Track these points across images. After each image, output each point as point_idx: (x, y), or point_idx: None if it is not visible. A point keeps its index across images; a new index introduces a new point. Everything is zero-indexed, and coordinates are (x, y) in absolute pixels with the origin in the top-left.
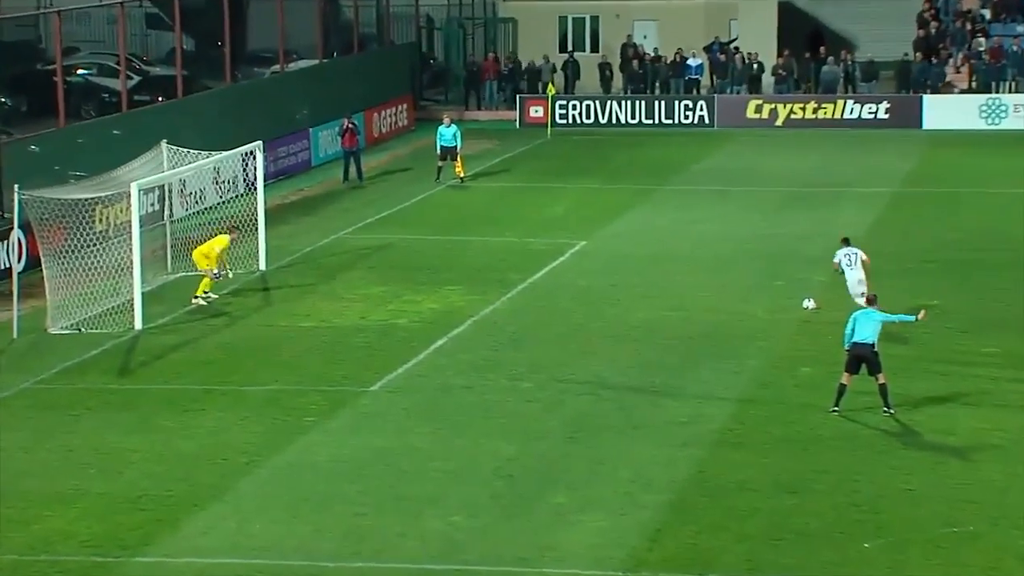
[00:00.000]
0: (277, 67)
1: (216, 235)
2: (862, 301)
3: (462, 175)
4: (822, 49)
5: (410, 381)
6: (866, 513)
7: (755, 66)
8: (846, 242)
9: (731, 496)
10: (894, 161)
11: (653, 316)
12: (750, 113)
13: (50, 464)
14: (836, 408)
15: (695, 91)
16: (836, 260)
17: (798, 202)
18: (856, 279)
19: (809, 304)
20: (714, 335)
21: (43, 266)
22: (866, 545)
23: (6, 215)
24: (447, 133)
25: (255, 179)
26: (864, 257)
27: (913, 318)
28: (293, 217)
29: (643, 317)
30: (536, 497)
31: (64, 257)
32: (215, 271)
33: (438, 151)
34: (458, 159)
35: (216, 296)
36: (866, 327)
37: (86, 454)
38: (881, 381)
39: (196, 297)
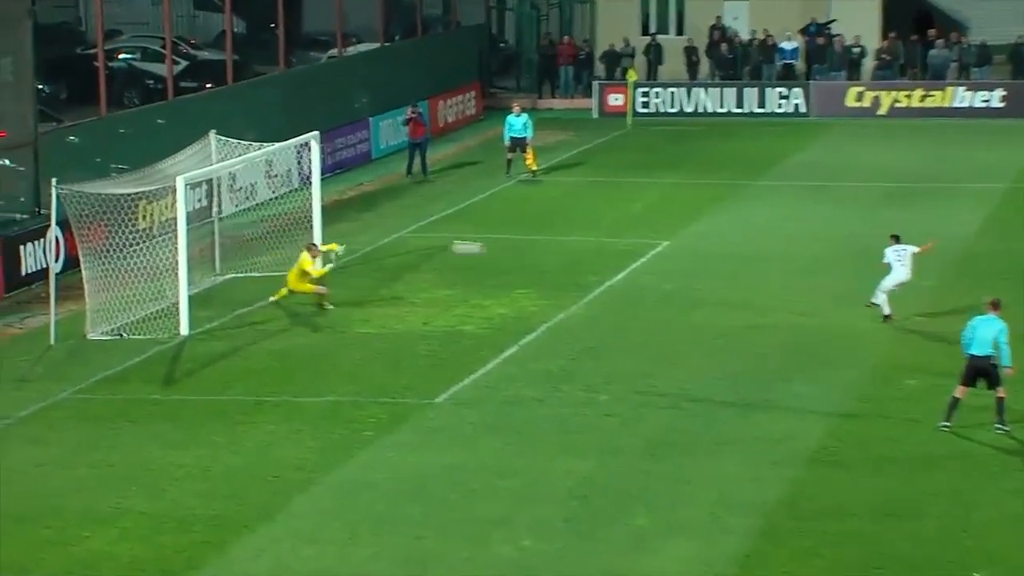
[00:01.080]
0: (335, 51)
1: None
2: (882, 300)
3: (534, 168)
4: (931, 31)
5: (478, 392)
6: (977, 540)
7: (856, 50)
8: (896, 239)
9: (827, 520)
10: (1009, 154)
11: (742, 323)
12: (850, 101)
13: (89, 480)
14: (947, 424)
15: (790, 77)
16: (886, 260)
17: (901, 199)
18: (898, 280)
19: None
20: (809, 343)
21: (82, 267)
22: None
23: (43, 211)
24: (516, 123)
25: (311, 173)
26: (916, 250)
27: (1010, 365)
28: (351, 214)
29: (731, 324)
30: (614, 519)
31: (105, 257)
32: (319, 288)
33: (507, 142)
34: (528, 151)
35: (333, 307)
36: (986, 336)
37: (128, 470)
38: (1000, 395)
39: (273, 298)
